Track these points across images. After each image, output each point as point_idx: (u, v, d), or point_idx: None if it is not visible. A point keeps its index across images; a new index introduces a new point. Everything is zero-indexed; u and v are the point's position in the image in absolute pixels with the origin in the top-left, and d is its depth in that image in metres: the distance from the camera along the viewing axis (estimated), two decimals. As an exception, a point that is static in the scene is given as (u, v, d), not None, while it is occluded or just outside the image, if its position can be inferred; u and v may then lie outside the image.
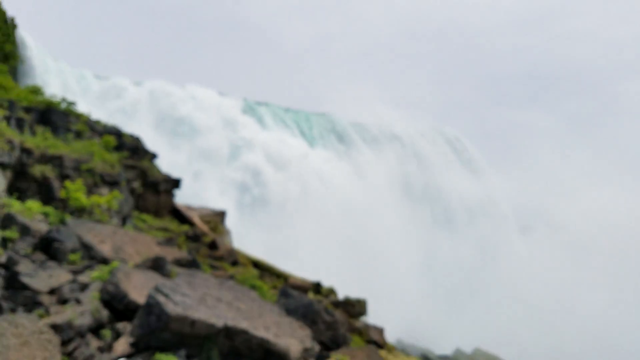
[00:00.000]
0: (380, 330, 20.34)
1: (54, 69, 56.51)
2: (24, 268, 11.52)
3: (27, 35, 52.69)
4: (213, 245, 24.81)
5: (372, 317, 22.42)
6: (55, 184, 19.66)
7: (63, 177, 20.50)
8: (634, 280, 70.72)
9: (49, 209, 16.91)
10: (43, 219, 15.66)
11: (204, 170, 62.52)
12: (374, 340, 19.20)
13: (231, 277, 17.69)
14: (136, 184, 27.02)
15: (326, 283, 25.19)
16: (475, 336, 53.03)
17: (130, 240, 15.62)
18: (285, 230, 58.82)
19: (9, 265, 11.62)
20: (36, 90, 28.70)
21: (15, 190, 19.06)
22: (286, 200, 64.84)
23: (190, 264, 15.74)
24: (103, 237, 14.79)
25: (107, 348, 9.26)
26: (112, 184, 22.80)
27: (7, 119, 22.40)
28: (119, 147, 27.08)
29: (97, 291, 10.83)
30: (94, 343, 9.22)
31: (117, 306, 10.38)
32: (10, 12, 45.12)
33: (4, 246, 12.96)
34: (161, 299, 9.69)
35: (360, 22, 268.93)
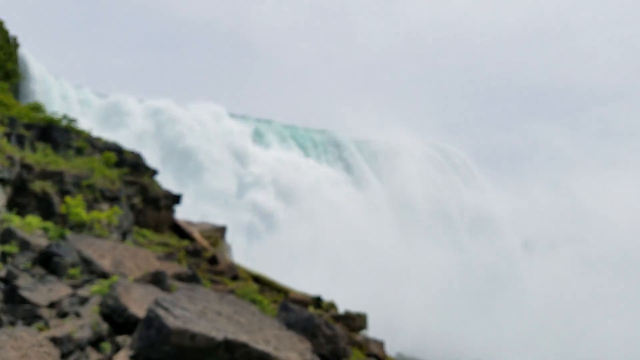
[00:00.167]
0: (380, 344, 20.31)
1: (55, 87, 56.83)
2: (24, 282, 11.52)
3: (29, 53, 53.12)
4: (213, 260, 24.81)
5: (372, 331, 22.37)
6: (56, 199, 19.70)
7: (63, 192, 20.55)
8: None
9: (48, 224, 16.93)
10: (43, 234, 15.68)
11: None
12: (374, 353, 19.16)
13: (231, 292, 17.66)
14: (136, 200, 27.07)
15: (328, 297, 25.14)
16: (476, 349, 52.71)
17: (130, 255, 15.62)
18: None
19: (8, 279, 11.62)
20: (37, 108, 28.92)
21: (15, 205, 19.10)
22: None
23: (191, 279, 15.71)
24: (103, 252, 14.80)
25: (107, 361, 9.24)
26: (113, 199, 22.85)
27: (8, 135, 22.53)
28: (119, 164, 27.19)
29: (96, 305, 10.81)
30: (93, 356, 9.20)
31: (117, 320, 10.35)
32: (12, 31, 45.56)
33: (4, 260, 12.97)
34: (161, 312, 9.68)
35: (361, 40, 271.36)
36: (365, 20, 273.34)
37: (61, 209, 18.51)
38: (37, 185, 19.90)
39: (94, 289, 11.84)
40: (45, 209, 19.45)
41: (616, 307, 66.71)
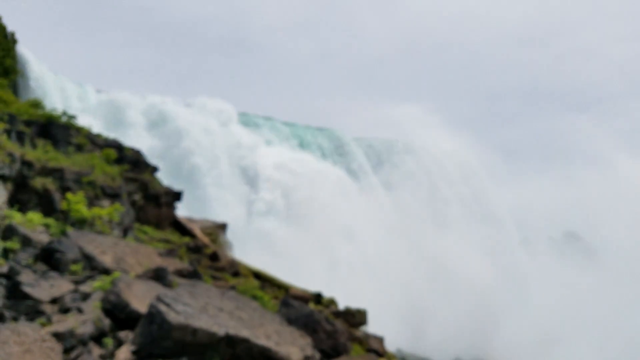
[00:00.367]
0: (380, 340, 20.42)
1: (54, 83, 56.65)
2: (26, 278, 11.56)
3: (27, 50, 53.00)
4: (214, 257, 24.87)
5: (372, 327, 22.45)
6: (56, 196, 19.73)
7: (64, 189, 20.57)
8: None
9: (50, 220, 16.99)
10: (44, 230, 15.74)
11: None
12: (374, 349, 19.25)
13: (232, 288, 17.70)
14: (137, 197, 27.11)
15: (328, 294, 25.22)
16: (475, 345, 52.88)
17: (131, 251, 15.67)
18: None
19: (10, 275, 11.66)
20: (37, 104, 28.87)
21: (16, 202, 19.12)
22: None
23: (192, 275, 15.75)
24: (104, 248, 14.85)
25: (109, 356, 9.29)
26: (113, 196, 22.89)
27: (8, 132, 22.52)
28: (119, 160, 27.18)
29: (98, 301, 10.87)
30: (96, 351, 9.25)
31: (119, 315, 10.42)
32: (10, 27, 45.44)
33: (6, 257, 13.03)
34: (163, 308, 9.75)
35: (361, 36, 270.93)
36: (366, 17, 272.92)
37: (62, 205, 18.54)
38: (38, 182, 19.93)
39: (95, 285, 11.90)
40: (47, 206, 19.48)
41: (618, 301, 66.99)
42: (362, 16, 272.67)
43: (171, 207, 29.39)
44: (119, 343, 9.77)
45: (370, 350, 18.98)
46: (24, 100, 33.02)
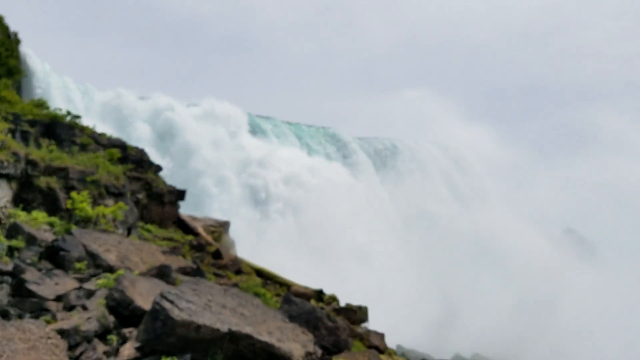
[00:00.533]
0: (381, 336, 20.57)
1: (57, 84, 56.82)
2: (31, 276, 11.69)
3: (31, 50, 53.19)
4: (217, 255, 25.02)
5: (373, 324, 22.57)
6: (61, 195, 19.90)
7: (68, 188, 20.74)
8: None
9: (54, 219, 17.14)
10: (49, 229, 15.89)
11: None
12: (375, 345, 19.40)
13: (235, 285, 17.83)
14: (141, 195, 27.28)
15: (330, 291, 25.34)
16: (474, 342, 52.95)
17: (135, 249, 15.80)
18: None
19: (15, 273, 11.80)
20: (41, 104, 29.06)
21: (21, 201, 19.29)
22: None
23: (195, 273, 15.88)
24: (108, 246, 14.98)
25: (114, 352, 9.40)
26: (117, 195, 23.05)
27: (12, 132, 22.69)
28: (123, 160, 27.37)
29: (103, 298, 10.99)
30: (100, 348, 9.37)
31: (123, 312, 10.53)
32: (13, 27, 45.61)
33: (11, 255, 13.16)
34: (167, 305, 9.85)
35: (363, 36, 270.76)
36: (367, 16, 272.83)
37: (67, 204, 18.69)
38: (43, 181, 20.09)
39: (100, 283, 12.03)
40: (51, 205, 19.65)
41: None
42: (363, 15, 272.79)
43: (174, 205, 29.55)
44: (123, 340, 9.89)
45: (371, 346, 19.12)
46: (27, 100, 33.19)
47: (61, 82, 58.03)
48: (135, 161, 28.63)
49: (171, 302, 9.87)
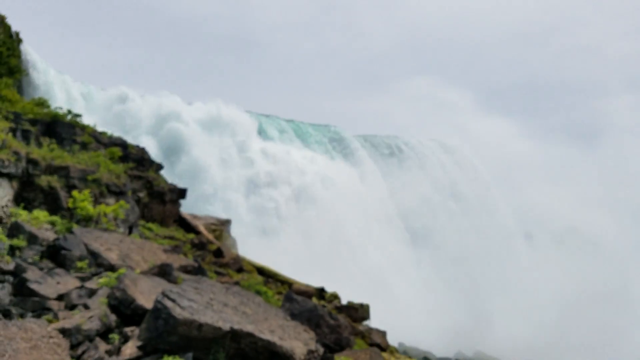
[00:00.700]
0: (382, 334, 20.60)
1: (58, 83, 56.78)
2: (32, 275, 11.69)
3: (32, 49, 53.14)
4: (218, 253, 25.01)
5: (375, 322, 22.57)
6: (62, 194, 19.90)
7: (69, 187, 20.75)
8: None
9: (55, 218, 17.14)
10: (50, 228, 15.89)
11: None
12: (377, 343, 19.43)
13: (237, 283, 17.83)
14: (142, 194, 27.27)
15: (331, 289, 25.33)
16: (476, 340, 52.98)
17: (136, 248, 15.80)
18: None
19: (17, 273, 11.80)
20: (42, 103, 29.04)
21: (22, 200, 19.30)
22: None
23: (196, 271, 15.88)
24: (110, 245, 14.98)
25: (116, 351, 9.40)
26: (118, 194, 23.05)
27: (13, 130, 22.68)
28: (124, 158, 27.35)
29: (104, 297, 10.99)
30: (102, 347, 9.37)
31: (125, 311, 10.52)
32: (14, 26, 45.56)
33: (12, 254, 13.15)
34: (168, 303, 9.84)
35: (364, 34, 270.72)
36: (367, 15, 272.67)
37: (68, 203, 18.69)
38: (44, 180, 20.09)
39: (101, 282, 12.02)
40: (52, 204, 19.65)
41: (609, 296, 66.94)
42: (363, 14, 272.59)
43: (176, 204, 29.54)
44: (125, 338, 9.89)
45: (372, 344, 19.14)
46: (28, 99, 33.17)
47: (62, 80, 58.00)
48: (136, 160, 28.62)
49: (173, 300, 9.86)
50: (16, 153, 19.56)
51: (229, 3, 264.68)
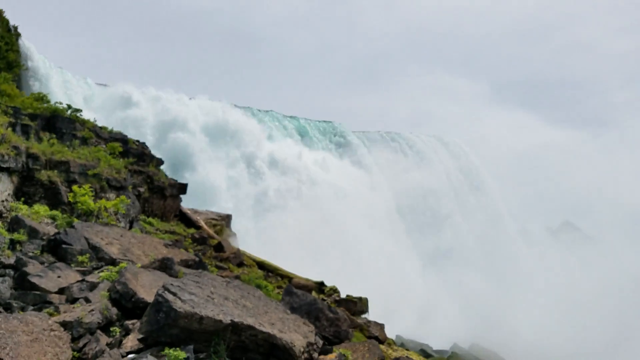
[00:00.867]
0: (380, 326, 20.75)
1: (57, 77, 56.62)
2: (33, 269, 11.73)
3: (30, 43, 53.03)
4: (219, 247, 25.06)
5: (373, 315, 22.68)
6: (62, 188, 19.92)
7: (70, 182, 20.77)
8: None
9: (56, 212, 17.18)
10: (50, 222, 15.92)
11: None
12: (375, 335, 19.57)
13: (237, 277, 17.87)
14: (142, 189, 27.28)
15: (330, 283, 25.41)
16: (472, 332, 53.11)
17: (137, 242, 15.84)
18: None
19: (18, 266, 11.84)
20: (41, 98, 29.04)
21: (22, 194, 19.32)
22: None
23: (197, 265, 15.93)
24: (111, 239, 15.02)
25: (117, 344, 9.44)
26: (119, 188, 23.09)
27: (13, 125, 22.69)
28: (124, 153, 27.37)
29: (105, 290, 11.02)
30: (103, 339, 9.41)
31: (126, 304, 10.57)
32: (13, 20, 45.48)
33: (13, 248, 13.19)
34: (169, 297, 9.88)
35: (362, 30, 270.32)
36: (367, 11, 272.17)
37: (68, 197, 18.73)
38: (44, 175, 20.11)
39: (102, 275, 12.06)
40: (53, 198, 19.67)
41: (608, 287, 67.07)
42: (363, 10, 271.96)
43: (176, 199, 29.57)
44: (126, 331, 9.93)
45: (371, 336, 19.27)
46: (27, 94, 33.15)
47: (61, 75, 57.89)
48: (136, 154, 28.62)
49: (174, 294, 9.91)
50: (16, 147, 19.57)
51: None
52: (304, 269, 29.93)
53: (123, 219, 20.75)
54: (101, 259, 13.77)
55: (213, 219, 32.40)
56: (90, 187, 19.56)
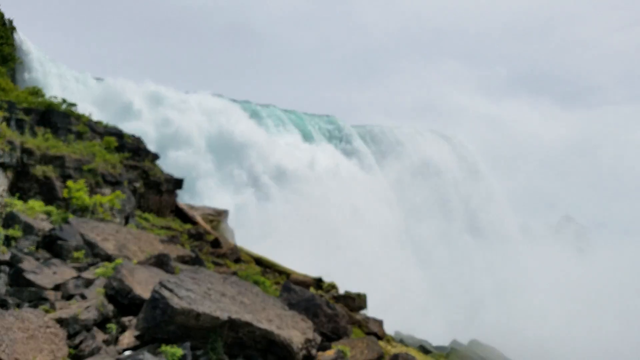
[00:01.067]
0: (379, 323, 20.73)
1: (52, 71, 56.31)
2: (28, 265, 11.63)
3: (26, 37, 52.67)
4: (216, 243, 24.95)
5: (372, 311, 22.66)
6: (57, 184, 19.76)
7: (65, 177, 20.60)
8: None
9: (51, 208, 17.03)
10: (46, 218, 15.78)
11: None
12: (374, 331, 19.54)
13: (234, 274, 17.80)
14: (138, 184, 27.11)
15: (329, 279, 25.34)
16: (471, 328, 53.25)
17: (133, 238, 15.74)
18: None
19: (13, 263, 11.72)
20: (36, 92, 28.80)
21: (17, 190, 19.16)
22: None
23: (194, 261, 15.85)
24: (106, 235, 14.91)
25: (113, 341, 9.38)
26: (114, 184, 22.93)
27: (7, 120, 22.50)
28: (120, 148, 27.16)
29: (101, 287, 10.94)
30: (99, 336, 9.33)
31: (122, 301, 10.49)
32: (8, 14, 45.22)
33: (8, 244, 13.06)
34: (166, 293, 9.80)
35: (361, 26, 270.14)
36: (366, 8, 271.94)
37: (63, 193, 18.58)
38: (39, 170, 19.95)
39: (98, 272, 11.96)
40: (48, 194, 19.52)
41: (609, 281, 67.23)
42: (363, 5, 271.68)
43: (172, 194, 29.42)
44: (123, 328, 9.86)
45: (369, 333, 19.23)
46: (22, 88, 32.90)
47: (56, 69, 57.55)
48: (132, 149, 28.42)
49: (170, 290, 9.82)
50: (10, 142, 19.40)
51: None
52: (302, 264, 29.87)
53: (118, 214, 20.62)
54: (97, 255, 13.68)
55: (209, 214, 32.29)
56: (86, 182, 19.41)
